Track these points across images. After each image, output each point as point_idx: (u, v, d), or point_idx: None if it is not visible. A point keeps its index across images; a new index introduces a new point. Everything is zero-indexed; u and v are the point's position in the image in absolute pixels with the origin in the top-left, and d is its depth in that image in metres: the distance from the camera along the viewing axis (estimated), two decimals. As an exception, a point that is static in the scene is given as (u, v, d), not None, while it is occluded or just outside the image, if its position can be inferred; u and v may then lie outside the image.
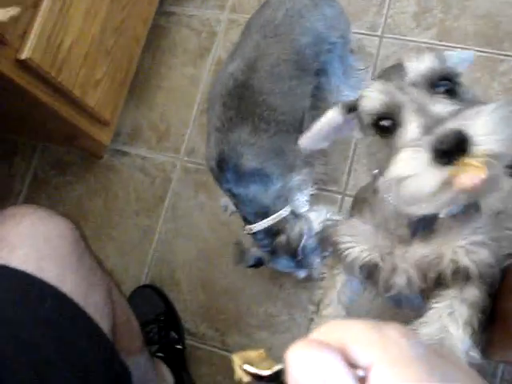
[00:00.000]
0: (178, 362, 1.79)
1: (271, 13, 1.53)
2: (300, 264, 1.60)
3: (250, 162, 1.49)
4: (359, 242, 1.07)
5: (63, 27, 1.62)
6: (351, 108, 0.93)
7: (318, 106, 1.68)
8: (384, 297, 1.13)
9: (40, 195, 2.15)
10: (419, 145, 0.70)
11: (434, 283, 1.04)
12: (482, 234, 0.96)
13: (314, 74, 1.57)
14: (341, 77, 1.67)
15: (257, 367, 0.50)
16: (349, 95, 1.69)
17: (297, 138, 1.58)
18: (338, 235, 1.11)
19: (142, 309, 1.86)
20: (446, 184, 0.70)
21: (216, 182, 1.57)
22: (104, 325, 1.08)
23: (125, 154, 2.13)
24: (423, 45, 1.99)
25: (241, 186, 1.51)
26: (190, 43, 2.20)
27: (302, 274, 1.69)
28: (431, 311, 0.99)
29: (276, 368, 0.49)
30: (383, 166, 0.79)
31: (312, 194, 1.76)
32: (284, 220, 1.56)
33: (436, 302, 1.00)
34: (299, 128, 1.57)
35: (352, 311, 1.72)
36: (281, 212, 1.55)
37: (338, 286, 1.24)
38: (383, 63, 1.99)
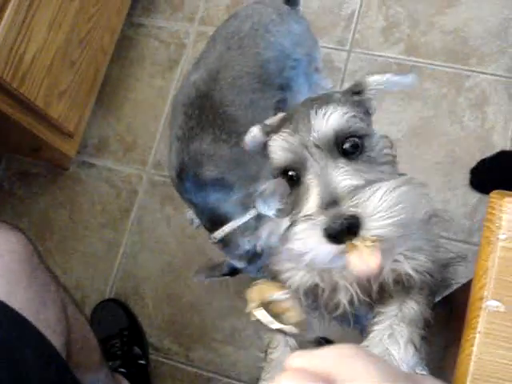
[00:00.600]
0: (141, 378, 1.76)
1: (237, 25, 1.53)
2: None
3: (210, 172, 1.48)
4: (297, 266, 1.05)
5: (26, 38, 1.60)
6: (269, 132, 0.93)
7: None
8: (332, 319, 1.11)
9: (5, 206, 2.11)
10: (315, 223, 0.74)
11: (380, 295, 1.03)
12: (418, 240, 0.95)
13: (277, 89, 1.56)
14: (306, 94, 1.66)
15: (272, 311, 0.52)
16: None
17: None
18: (278, 263, 1.07)
19: (105, 323, 1.84)
20: (341, 255, 0.75)
21: (177, 191, 1.56)
22: (56, 341, 1.05)
23: (91, 165, 2.10)
24: (391, 60, 2.00)
25: (200, 196, 1.50)
26: (159, 55, 2.19)
27: None
28: (372, 334, 0.97)
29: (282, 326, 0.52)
30: (288, 208, 0.88)
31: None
32: (246, 224, 1.54)
33: (376, 324, 0.99)
34: None
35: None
36: (239, 219, 1.54)
37: None
38: (351, 77, 1.99)
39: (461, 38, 1.98)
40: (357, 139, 0.83)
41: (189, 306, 1.89)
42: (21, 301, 1.00)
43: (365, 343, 0.96)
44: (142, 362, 1.79)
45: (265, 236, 1.48)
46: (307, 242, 0.76)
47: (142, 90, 2.16)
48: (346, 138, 0.82)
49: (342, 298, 1.03)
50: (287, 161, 0.85)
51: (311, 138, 0.81)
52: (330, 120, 0.81)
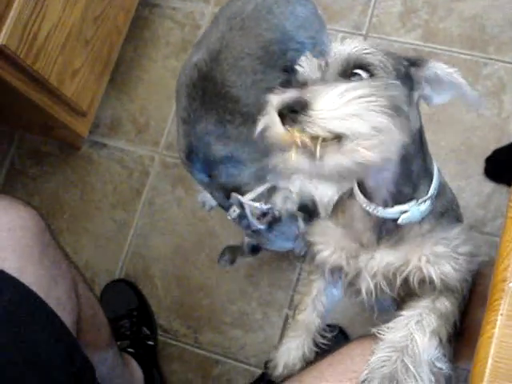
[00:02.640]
0: (149, 359, 1.77)
1: (240, 5, 1.50)
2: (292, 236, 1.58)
3: (218, 151, 1.48)
4: (328, 244, 1.06)
5: (41, 15, 1.59)
6: None
7: None
8: (356, 301, 1.11)
9: (16, 185, 2.12)
10: (280, 97, 0.77)
11: (405, 292, 1.03)
12: (445, 247, 0.95)
13: (280, 71, 1.52)
14: None
15: None
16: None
17: None
18: (310, 236, 1.10)
19: (114, 303, 1.84)
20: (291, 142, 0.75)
21: (189, 173, 1.56)
22: (67, 318, 1.05)
23: (103, 145, 2.10)
24: (408, 45, 1.97)
25: (213, 175, 1.50)
26: (173, 36, 2.18)
27: (298, 248, 1.66)
28: (399, 318, 0.97)
29: None
30: None
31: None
32: (260, 195, 1.53)
33: (407, 311, 0.98)
34: None
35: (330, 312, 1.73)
36: (258, 189, 1.52)
37: (314, 292, 1.21)
38: (367, 63, 1.97)
39: (479, 25, 1.95)
40: (365, 72, 0.80)
41: (198, 288, 1.89)
42: (32, 277, 1.00)
43: (389, 324, 0.96)
44: (150, 342, 1.80)
45: (279, 202, 1.49)
46: (266, 119, 0.81)
47: (155, 70, 2.14)
48: (354, 67, 0.80)
49: (363, 287, 1.03)
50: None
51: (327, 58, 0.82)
52: (348, 46, 0.81)
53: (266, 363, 1.67)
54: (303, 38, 1.53)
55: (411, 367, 0.89)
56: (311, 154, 0.73)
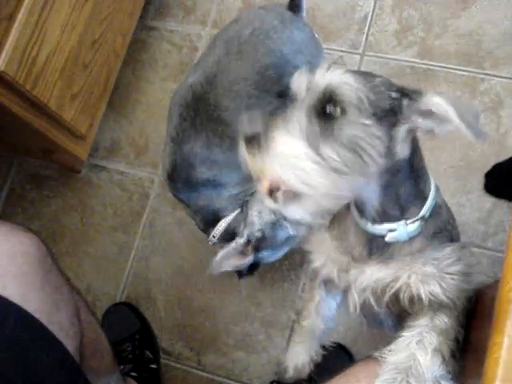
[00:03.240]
0: (153, 382, 1.76)
1: (238, 29, 1.52)
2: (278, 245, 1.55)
3: (201, 174, 1.49)
4: (321, 255, 1.08)
5: (39, 40, 1.59)
6: None
7: None
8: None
9: (16, 209, 2.11)
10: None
11: (396, 309, 1.04)
12: (434, 267, 0.95)
13: (275, 96, 1.53)
14: None
15: None
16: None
17: None
18: (306, 244, 1.13)
19: (116, 327, 1.83)
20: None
21: (170, 192, 1.56)
22: (69, 344, 1.05)
23: (103, 168, 2.10)
24: (404, 63, 1.98)
25: (192, 196, 1.51)
26: (171, 58, 2.19)
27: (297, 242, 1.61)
28: (400, 339, 0.98)
29: None
30: None
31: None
32: (238, 218, 1.53)
33: (406, 331, 0.99)
34: None
35: (333, 330, 1.72)
36: (232, 214, 1.53)
37: (317, 299, 1.25)
38: (364, 81, 1.98)
39: (475, 41, 1.97)
40: (335, 108, 0.81)
41: (200, 310, 1.88)
42: (34, 303, 1.00)
43: (391, 347, 0.96)
44: (153, 366, 1.78)
45: (256, 219, 1.48)
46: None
47: (154, 93, 2.15)
48: (329, 100, 0.82)
49: (350, 302, 1.05)
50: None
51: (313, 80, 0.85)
52: (327, 77, 0.83)
53: (271, 383, 1.67)
54: (300, 62, 1.53)
55: None
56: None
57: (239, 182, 1.54)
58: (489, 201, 1.80)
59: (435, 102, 0.81)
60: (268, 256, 1.56)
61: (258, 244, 1.46)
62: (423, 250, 0.96)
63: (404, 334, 0.98)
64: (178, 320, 1.89)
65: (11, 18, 1.50)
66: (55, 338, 1.00)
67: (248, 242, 1.45)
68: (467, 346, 0.99)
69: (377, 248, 0.98)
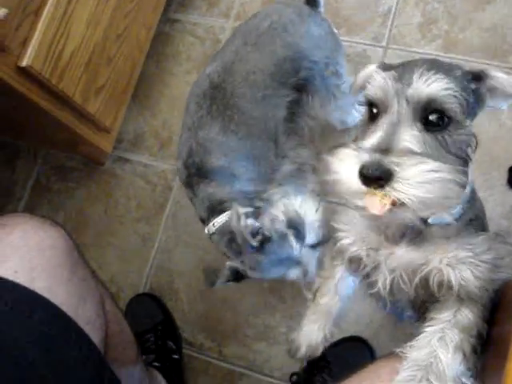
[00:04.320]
0: (175, 373, 1.78)
1: (257, 22, 1.54)
2: (284, 260, 1.50)
3: (217, 159, 1.49)
4: (351, 233, 1.08)
5: (65, 35, 1.61)
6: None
7: (295, 121, 1.64)
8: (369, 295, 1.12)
9: (41, 201, 2.15)
10: (358, 155, 0.80)
11: (424, 293, 1.03)
12: (467, 252, 0.95)
13: (291, 88, 1.55)
14: (325, 97, 1.63)
15: None
16: (337, 118, 1.66)
17: (272, 148, 1.54)
18: (334, 222, 1.13)
19: (139, 317, 1.85)
20: (360, 195, 0.81)
21: (180, 180, 1.57)
22: (95, 336, 1.07)
23: (126, 160, 2.12)
24: (428, 56, 1.97)
25: (204, 182, 1.50)
26: (194, 51, 2.20)
27: (292, 273, 1.56)
28: (422, 335, 0.97)
29: None
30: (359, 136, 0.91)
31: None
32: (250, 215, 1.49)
33: (428, 326, 0.98)
34: (274, 138, 1.57)
35: (353, 322, 1.73)
36: (244, 208, 1.48)
37: (337, 277, 1.25)
38: (387, 74, 1.97)
39: (499, 34, 1.95)
40: (443, 117, 0.83)
41: (222, 301, 1.89)
42: (62, 296, 1.02)
43: (412, 343, 0.96)
44: (175, 356, 1.81)
45: (267, 223, 1.46)
46: (341, 165, 0.82)
47: (177, 85, 2.16)
48: (435, 111, 0.83)
49: (380, 280, 1.05)
50: (375, 97, 0.87)
51: (406, 92, 0.83)
52: (429, 87, 0.82)
53: (292, 376, 1.68)
54: (317, 57, 1.54)
55: None
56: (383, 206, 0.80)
57: (253, 179, 1.54)
58: (512, 196, 1.79)
59: (499, 76, 0.86)
60: (263, 263, 1.50)
61: (264, 239, 1.43)
62: (457, 235, 0.96)
63: (426, 329, 0.97)
64: (199, 311, 1.91)
65: (37, 13, 1.52)
66: (82, 331, 1.02)
67: (257, 232, 1.42)
68: (488, 341, 0.98)
69: (412, 229, 0.98)
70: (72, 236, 1.13)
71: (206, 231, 1.54)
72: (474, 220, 0.99)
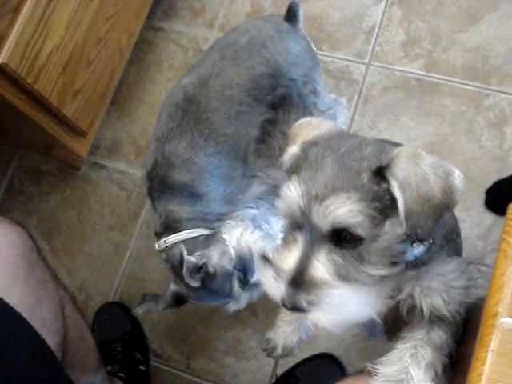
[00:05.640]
0: (140, 384, 1.74)
1: (235, 36, 1.53)
2: (224, 294, 1.50)
3: (180, 175, 1.46)
4: None
5: (43, 34, 1.59)
6: None
7: (267, 141, 1.62)
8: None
9: (14, 204, 2.11)
10: (277, 286, 0.84)
11: (392, 318, 1.02)
12: (440, 283, 0.94)
13: (267, 106, 1.53)
14: (302, 115, 1.56)
15: None
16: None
17: (240, 168, 1.53)
18: None
19: (107, 326, 1.83)
20: None
21: (145, 190, 1.54)
22: (51, 340, 1.04)
23: (102, 167, 2.09)
24: (410, 75, 1.97)
25: (164, 197, 1.47)
26: (176, 59, 2.19)
27: (232, 306, 1.56)
28: (394, 351, 0.96)
29: None
30: None
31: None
32: (196, 240, 1.48)
33: (400, 343, 0.97)
34: (243, 157, 1.55)
35: (324, 339, 1.70)
36: (194, 230, 1.48)
37: None
38: (369, 91, 1.97)
39: (482, 56, 1.95)
40: (353, 237, 0.80)
41: (192, 313, 1.86)
42: (17, 296, 0.99)
43: (383, 358, 0.95)
44: (142, 367, 1.77)
45: (216, 257, 1.45)
46: (267, 285, 0.87)
47: (158, 93, 2.14)
48: (344, 231, 0.80)
49: None
50: (287, 214, 0.86)
51: (310, 219, 0.81)
52: (330, 216, 0.79)
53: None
54: (295, 75, 1.53)
55: None
56: None
57: (216, 200, 1.51)
58: (489, 217, 1.78)
59: (393, 183, 0.80)
60: (202, 298, 1.51)
61: (206, 277, 1.41)
62: (428, 263, 0.95)
63: (398, 346, 0.97)
64: (169, 322, 1.87)
65: (16, 10, 1.51)
66: (36, 333, 0.99)
67: (200, 268, 1.40)
68: (456, 360, 0.97)
69: None
70: (32, 236, 1.11)
71: (156, 246, 1.52)
72: (446, 245, 0.98)
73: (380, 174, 0.80)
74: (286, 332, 1.27)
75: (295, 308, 0.82)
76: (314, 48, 1.63)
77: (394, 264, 0.85)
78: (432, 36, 2.01)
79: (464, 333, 1.00)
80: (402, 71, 1.98)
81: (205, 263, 1.40)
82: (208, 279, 1.41)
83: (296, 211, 0.82)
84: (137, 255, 1.97)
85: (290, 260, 0.83)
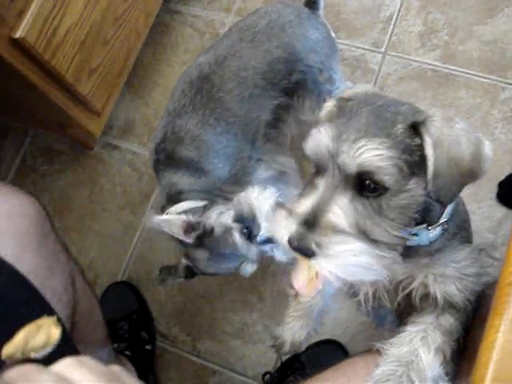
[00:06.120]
0: (146, 363, 1.75)
1: (255, 19, 1.52)
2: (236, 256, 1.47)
3: (187, 151, 1.46)
4: None
5: (61, 11, 1.60)
6: None
7: (278, 127, 1.62)
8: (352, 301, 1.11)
9: (26, 181, 2.12)
10: (286, 225, 0.81)
11: (404, 305, 1.02)
12: (453, 270, 0.94)
13: (281, 91, 1.52)
14: (316, 102, 1.59)
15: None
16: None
17: (247, 150, 1.52)
18: None
19: (115, 305, 1.83)
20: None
21: (151, 164, 1.55)
22: (61, 310, 1.04)
23: (115, 147, 2.10)
24: (426, 65, 1.96)
25: (169, 170, 1.48)
26: (192, 43, 2.19)
27: (245, 270, 1.53)
28: (404, 333, 0.96)
29: None
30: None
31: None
32: (196, 209, 1.45)
33: (410, 326, 0.97)
34: (252, 140, 1.55)
35: (330, 326, 1.71)
36: (197, 202, 1.47)
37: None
38: (384, 80, 1.96)
39: (499, 49, 1.94)
40: (378, 186, 0.79)
41: (200, 295, 1.87)
42: (29, 265, 0.99)
43: (393, 340, 0.95)
44: (147, 347, 1.78)
45: (214, 217, 1.43)
46: (275, 227, 0.84)
47: (173, 76, 2.15)
48: (369, 179, 0.79)
49: (361, 292, 1.04)
50: (313, 158, 0.85)
51: (338, 160, 0.79)
52: (360, 157, 0.77)
53: (264, 375, 1.66)
54: (312, 61, 1.52)
55: (417, 382, 0.89)
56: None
57: (221, 178, 1.51)
58: (500, 211, 1.77)
59: (427, 138, 0.79)
60: (208, 266, 1.49)
61: (202, 236, 1.39)
62: (442, 251, 0.95)
63: (408, 328, 0.97)
64: (177, 304, 1.88)
65: (35, -14, 1.51)
66: (46, 302, 1.00)
67: (194, 226, 1.38)
68: (463, 346, 0.97)
69: None
70: (46, 208, 1.11)
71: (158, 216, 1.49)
72: (458, 233, 0.97)
73: (414, 129, 0.80)
74: (294, 328, 1.27)
75: (301, 248, 0.79)
76: (334, 35, 1.62)
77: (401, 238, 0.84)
78: (449, 27, 2.00)
79: (473, 320, 1.00)
80: (418, 62, 1.98)
81: (202, 221, 1.38)
82: (206, 236, 1.40)
83: (323, 153, 0.81)
84: (146, 236, 1.97)
85: (306, 202, 0.81)
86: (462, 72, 1.94)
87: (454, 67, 1.95)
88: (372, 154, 0.77)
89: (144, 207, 2.01)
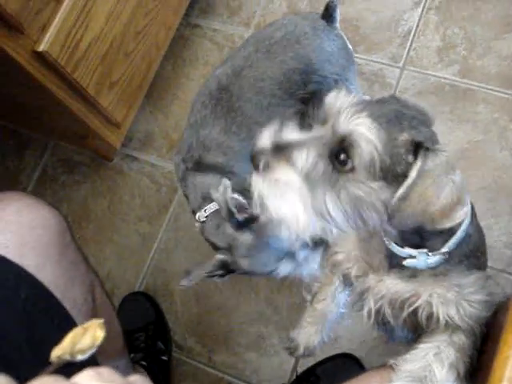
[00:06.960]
0: (162, 374, 1.76)
1: (272, 31, 1.55)
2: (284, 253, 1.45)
3: (215, 157, 1.49)
4: (344, 250, 1.08)
5: (84, 25, 1.62)
6: None
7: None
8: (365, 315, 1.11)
9: (46, 191, 2.15)
10: (262, 139, 0.88)
11: (411, 324, 1.03)
12: (456, 294, 0.93)
13: (299, 100, 1.55)
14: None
15: None
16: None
17: None
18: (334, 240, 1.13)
19: (132, 315, 1.84)
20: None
21: (177, 177, 1.57)
22: (81, 321, 1.05)
23: (134, 159, 2.12)
24: (444, 80, 1.97)
25: (199, 174, 1.50)
26: (212, 57, 2.21)
27: (284, 269, 1.48)
28: (416, 350, 0.97)
29: None
30: None
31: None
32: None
33: (421, 343, 0.98)
34: None
35: (346, 340, 1.71)
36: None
37: (336, 283, 1.25)
38: (402, 94, 1.97)
39: (518, 64, 1.95)
40: (347, 160, 0.80)
41: (216, 307, 1.88)
42: (50, 276, 1.01)
43: (406, 356, 0.95)
44: (164, 358, 1.79)
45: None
46: (264, 133, 0.88)
47: (192, 89, 2.17)
48: (344, 150, 0.80)
49: (365, 307, 1.04)
50: (326, 107, 0.87)
51: (341, 116, 0.82)
52: (354, 126, 0.79)
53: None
54: (327, 72, 1.54)
55: None
56: None
57: (248, 180, 1.51)
58: (518, 227, 1.77)
59: (419, 163, 0.79)
60: (248, 254, 1.45)
61: (250, 218, 1.39)
62: (446, 275, 0.94)
63: (421, 345, 0.97)
64: (193, 315, 1.89)
65: (59, 0, 1.53)
66: (67, 313, 1.01)
67: (245, 206, 1.39)
68: (477, 368, 0.97)
69: (398, 263, 0.97)
70: (67, 219, 1.13)
71: (196, 218, 1.52)
72: (465, 260, 0.96)
73: (416, 147, 0.80)
74: (309, 333, 1.29)
75: (254, 160, 0.86)
76: (351, 48, 1.63)
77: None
78: (468, 42, 2.00)
79: (487, 342, 1.00)
80: (436, 76, 1.98)
81: (248, 205, 1.39)
82: (252, 221, 1.40)
83: (336, 108, 0.84)
84: (164, 247, 1.99)
85: (293, 134, 0.85)
86: (479, 87, 1.94)
87: (471, 82, 1.95)
88: (363, 131, 0.78)
89: (162, 219, 2.02)
